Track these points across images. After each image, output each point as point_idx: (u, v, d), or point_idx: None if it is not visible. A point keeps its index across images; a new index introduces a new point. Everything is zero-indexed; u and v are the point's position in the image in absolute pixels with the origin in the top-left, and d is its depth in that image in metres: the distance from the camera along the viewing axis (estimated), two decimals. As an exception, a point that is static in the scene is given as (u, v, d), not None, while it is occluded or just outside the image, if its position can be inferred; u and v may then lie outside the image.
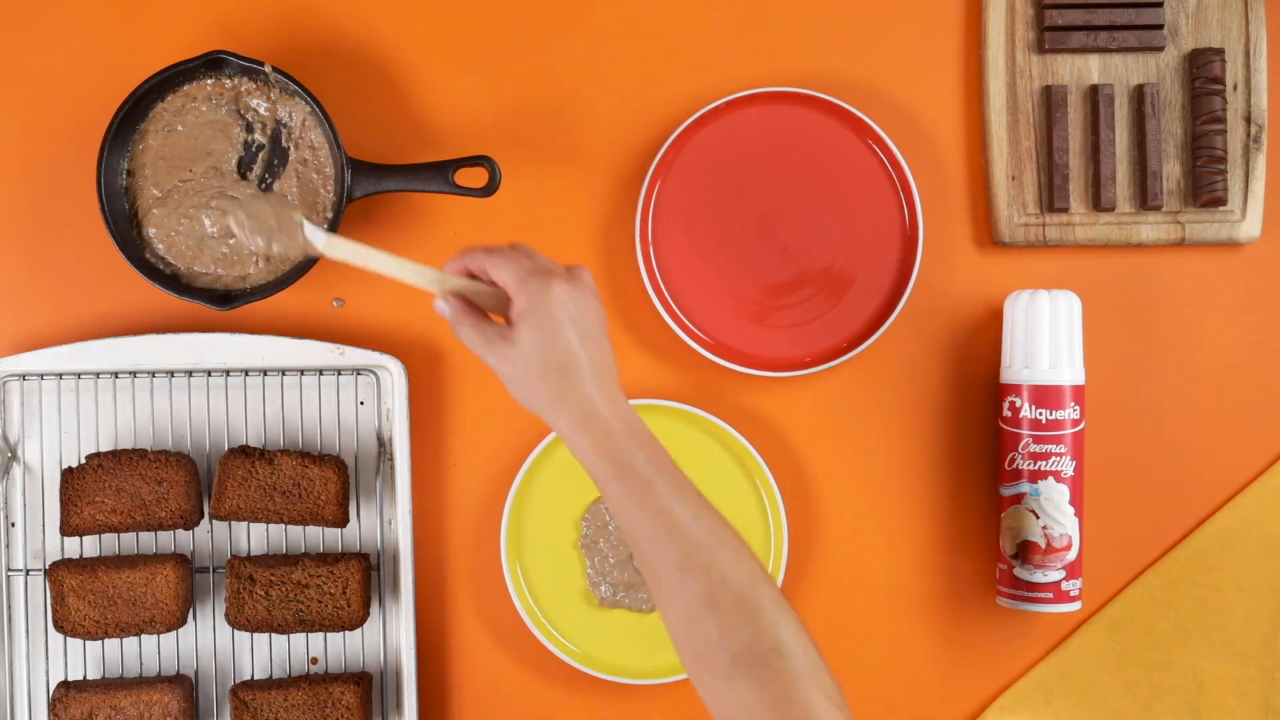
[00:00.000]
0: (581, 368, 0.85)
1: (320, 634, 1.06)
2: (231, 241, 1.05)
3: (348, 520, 1.05)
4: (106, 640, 1.05)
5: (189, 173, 1.05)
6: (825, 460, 1.10)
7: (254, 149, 1.06)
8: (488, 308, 0.89)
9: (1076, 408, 1.04)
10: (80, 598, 1.02)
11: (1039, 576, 1.04)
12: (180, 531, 1.05)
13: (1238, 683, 1.08)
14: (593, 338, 0.86)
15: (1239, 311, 1.10)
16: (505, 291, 0.87)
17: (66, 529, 1.02)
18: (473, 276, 0.89)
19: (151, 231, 1.05)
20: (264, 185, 1.06)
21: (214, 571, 1.07)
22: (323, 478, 1.03)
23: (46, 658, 1.06)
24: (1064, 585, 1.04)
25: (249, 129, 1.06)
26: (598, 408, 0.85)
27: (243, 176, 1.06)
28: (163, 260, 1.05)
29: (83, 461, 1.05)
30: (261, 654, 1.07)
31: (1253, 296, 1.10)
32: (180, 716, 1.02)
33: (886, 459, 1.10)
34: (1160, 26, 1.09)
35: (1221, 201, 1.08)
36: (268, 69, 1.03)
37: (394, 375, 1.06)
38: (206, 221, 1.05)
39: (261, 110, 1.06)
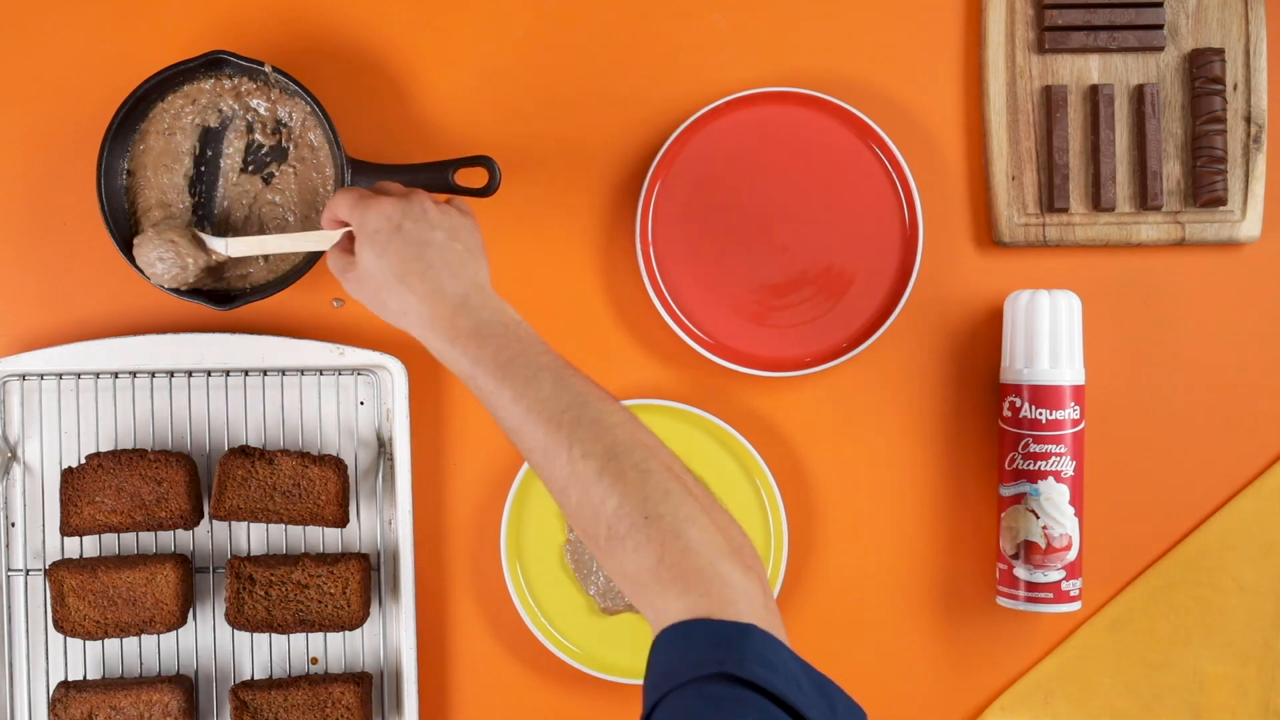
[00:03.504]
0: (415, 271, 0.87)
1: (320, 634, 1.06)
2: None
3: (348, 520, 1.05)
4: (106, 640, 1.05)
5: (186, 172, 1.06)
6: (825, 460, 1.10)
7: (254, 149, 1.06)
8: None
9: (1076, 408, 1.04)
10: (80, 598, 1.02)
11: (1039, 576, 1.04)
12: (180, 531, 1.05)
13: (1238, 683, 1.08)
14: (428, 242, 0.88)
15: (1239, 311, 1.10)
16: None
17: (66, 529, 1.02)
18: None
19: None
20: (266, 181, 1.06)
21: (214, 571, 1.07)
22: (323, 478, 1.03)
23: (46, 658, 1.06)
24: (1064, 585, 1.04)
25: (249, 129, 1.06)
26: (438, 308, 0.86)
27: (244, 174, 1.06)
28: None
29: (83, 461, 1.05)
30: (261, 654, 1.07)
31: (1253, 296, 1.10)
32: (180, 716, 1.02)
33: (886, 459, 1.10)
34: (1160, 26, 1.09)
35: (1221, 201, 1.08)
36: (268, 69, 1.03)
37: (394, 375, 1.06)
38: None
39: (261, 110, 1.06)
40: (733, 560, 0.74)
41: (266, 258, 1.06)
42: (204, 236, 1.02)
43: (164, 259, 1.01)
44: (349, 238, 0.95)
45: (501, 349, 0.84)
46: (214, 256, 1.02)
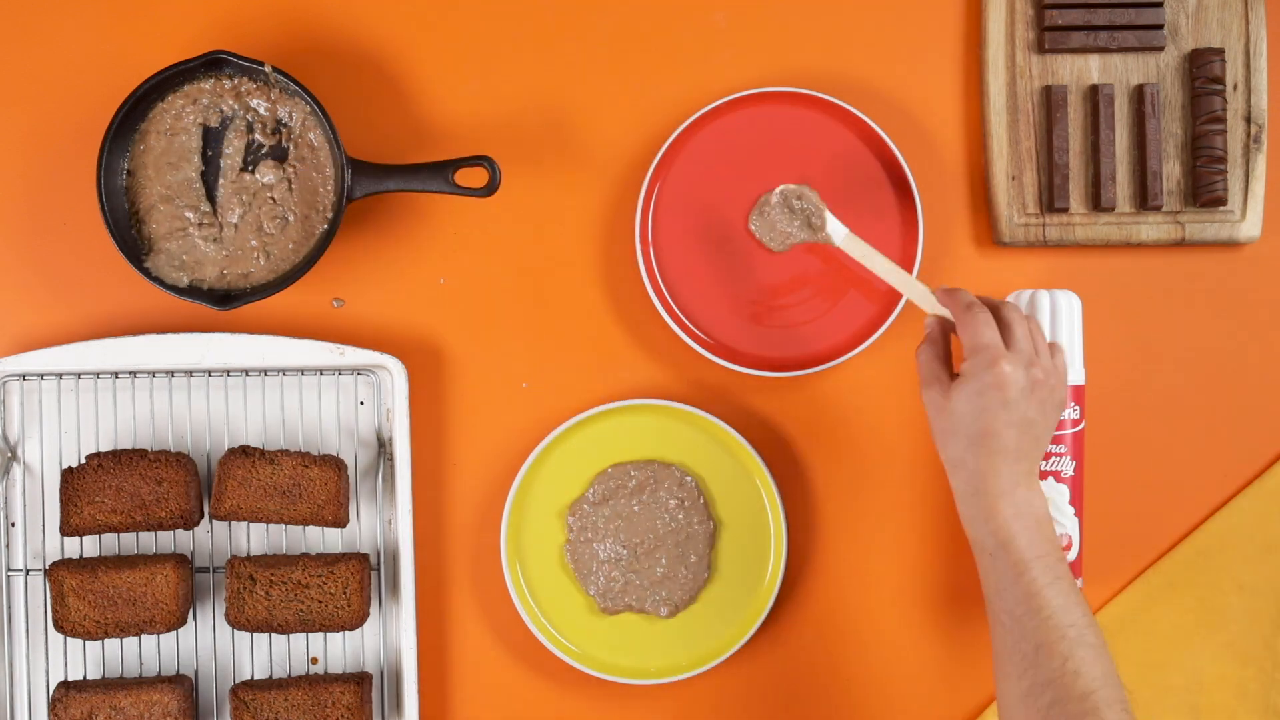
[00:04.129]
0: (993, 449, 0.90)
1: (320, 634, 1.06)
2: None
3: (348, 520, 1.05)
4: (106, 640, 1.05)
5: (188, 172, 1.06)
6: (825, 460, 1.10)
7: (254, 149, 1.06)
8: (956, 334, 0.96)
9: (1076, 408, 1.04)
10: (80, 598, 1.02)
11: (1039, 576, 1.04)
12: (180, 531, 1.05)
13: (1238, 683, 1.08)
14: (1025, 422, 0.90)
15: (1239, 311, 1.10)
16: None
17: (66, 529, 1.02)
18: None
19: (153, 228, 1.05)
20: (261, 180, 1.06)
21: (214, 571, 1.07)
22: (323, 478, 1.03)
23: (46, 658, 1.06)
24: (1064, 585, 1.04)
25: (249, 129, 1.06)
26: (998, 483, 0.89)
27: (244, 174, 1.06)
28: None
29: (83, 461, 1.05)
30: (261, 654, 1.07)
31: (1253, 296, 1.10)
32: (180, 716, 1.01)
33: (886, 459, 1.10)
34: (1160, 26, 1.09)
35: (1221, 201, 1.08)
36: (268, 69, 1.03)
37: (394, 375, 1.06)
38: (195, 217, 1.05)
39: (261, 110, 1.06)
40: None
41: (268, 255, 1.06)
42: (830, 217, 1.03)
43: (789, 218, 1.04)
44: (946, 325, 0.97)
45: (1031, 545, 0.88)
46: (819, 234, 1.03)
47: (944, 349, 0.96)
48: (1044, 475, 1.04)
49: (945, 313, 0.97)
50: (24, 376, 1.06)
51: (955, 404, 0.91)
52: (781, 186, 1.05)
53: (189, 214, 1.05)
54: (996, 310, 0.95)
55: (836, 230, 1.02)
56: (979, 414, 0.90)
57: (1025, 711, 0.85)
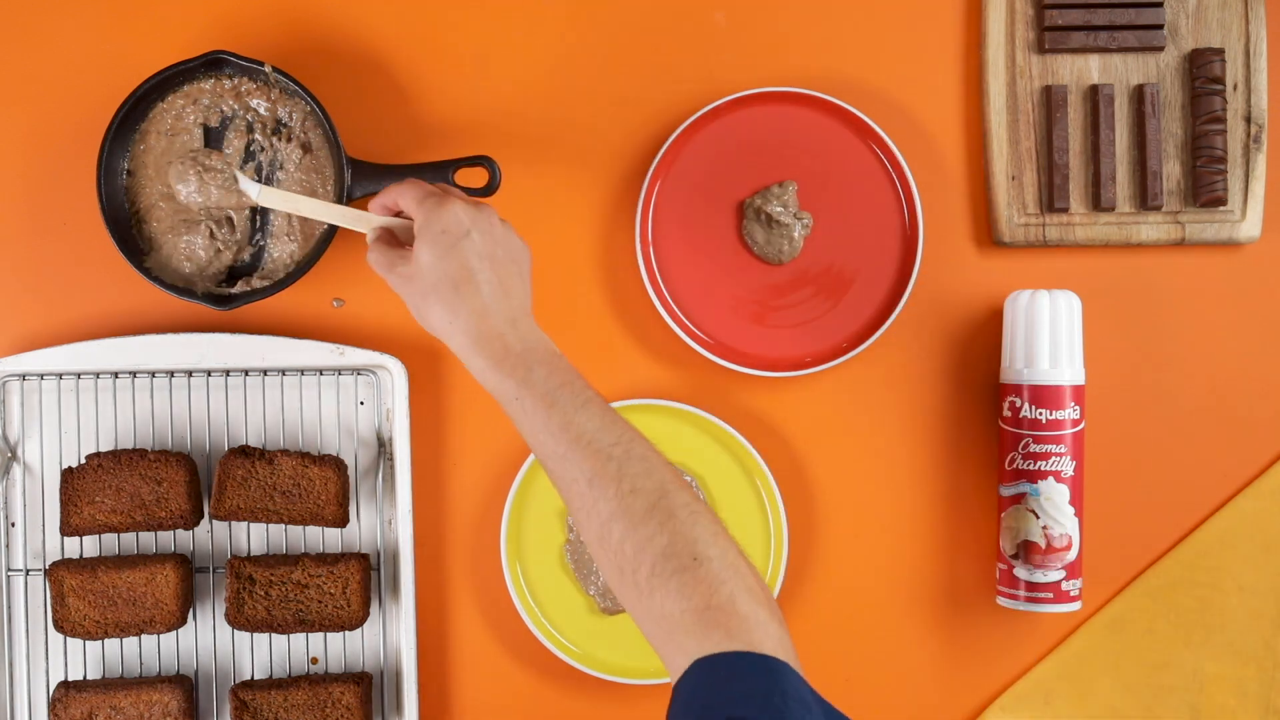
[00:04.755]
0: (476, 283, 0.86)
1: (320, 634, 1.06)
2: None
3: (348, 520, 1.05)
4: (106, 640, 1.05)
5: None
6: (825, 460, 1.10)
7: (254, 149, 1.06)
8: (407, 241, 0.93)
9: (1076, 408, 1.04)
10: (80, 598, 1.02)
11: (1039, 576, 1.04)
12: (180, 531, 1.05)
13: (1238, 683, 1.08)
14: (491, 256, 0.87)
15: (1239, 311, 1.10)
16: (409, 216, 0.90)
17: (66, 529, 1.02)
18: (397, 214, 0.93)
19: (153, 228, 1.05)
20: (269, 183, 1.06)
21: (214, 571, 1.07)
22: (323, 478, 1.03)
23: (46, 658, 1.06)
24: (1064, 585, 1.04)
25: (249, 129, 1.06)
26: (491, 324, 0.85)
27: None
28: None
29: (83, 461, 1.05)
30: (261, 654, 1.07)
31: (1253, 296, 1.10)
32: (180, 716, 1.02)
33: (886, 459, 1.10)
34: (1160, 26, 1.09)
35: (1221, 201, 1.08)
36: (268, 69, 1.03)
37: (394, 375, 1.06)
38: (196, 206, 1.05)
39: (261, 110, 1.06)
40: (769, 608, 0.75)
41: (269, 255, 1.06)
42: (240, 175, 1.01)
43: (191, 178, 1.01)
44: (389, 230, 0.94)
45: (550, 375, 0.84)
46: (243, 199, 1.02)
47: (387, 241, 0.93)
48: (1044, 475, 1.04)
49: (383, 221, 0.94)
50: (24, 376, 1.06)
51: (420, 261, 0.87)
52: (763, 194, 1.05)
53: (188, 214, 1.05)
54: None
55: (250, 189, 1.00)
56: (448, 254, 0.86)
57: (604, 551, 0.79)
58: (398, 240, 0.93)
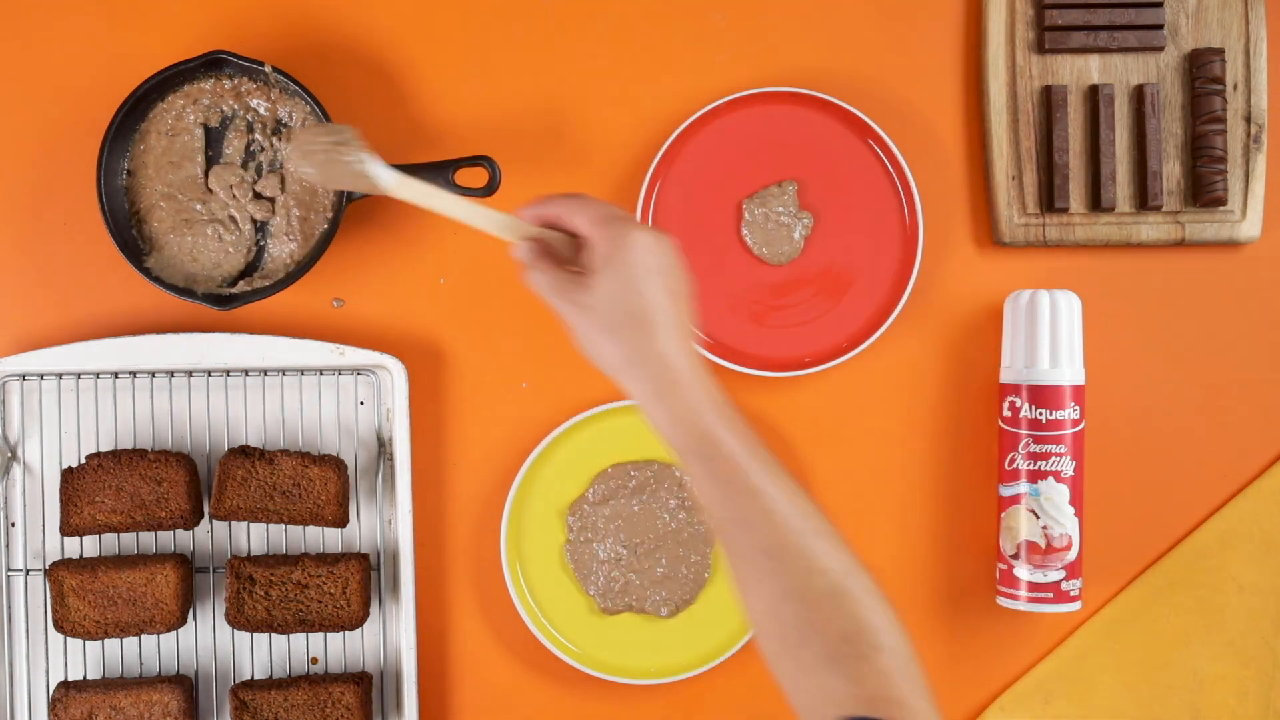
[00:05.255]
0: (660, 323, 0.78)
1: (320, 634, 1.06)
2: (227, 238, 1.05)
3: (348, 520, 1.05)
4: (106, 640, 1.05)
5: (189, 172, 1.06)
6: (825, 460, 1.10)
7: (254, 149, 1.06)
8: (561, 256, 0.84)
9: (1076, 408, 1.04)
10: (80, 598, 1.02)
11: (1039, 576, 1.04)
12: (180, 531, 1.05)
13: (1238, 683, 1.08)
14: (677, 293, 0.80)
15: (1239, 311, 1.10)
16: (582, 238, 0.82)
17: (66, 529, 1.02)
18: (548, 226, 0.85)
19: (153, 228, 1.05)
20: (257, 185, 1.06)
21: (214, 571, 1.07)
22: (323, 478, 1.03)
23: (46, 658, 1.06)
24: (1064, 585, 1.04)
25: (249, 129, 1.06)
26: (677, 374, 0.78)
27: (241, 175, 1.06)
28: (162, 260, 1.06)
29: (83, 461, 1.05)
30: (261, 654, 1.07)
31: (1253, 296, 1.10)
32: (180, 716, 1.01)
33: (886, 459, 1.10)
34: (1160, 26, 1.09)
35: (1221, 201, 1.08)
36: (268, 69, 1.03)
37: (394, 375, 1.06)
38: (203, 213, 1.05)
39: (261, 110, 1.06)
40: (933, 704, 0.73)
41: (269, 255, 1.06)
42: (370, 163, 0.86)
43: (315, 154, 0.87)
44: (542, 244, 0.85)
45: (734, 437, 0.78)
46: (372, 186, 0.87)
47: (551, 260, 0.84)
48: (1044, 475, 1.04)
49: (534, 231, 0.85)
50: (24, 376, 1.06)
51: (600, 289, 0.79)
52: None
53: (189, 214, 1.05)
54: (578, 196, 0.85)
55: (385, 176, 0.87)
56: (632, 289, 0.78)
57: (772, 623, 0.76)
58: (554, 256, 0.85)
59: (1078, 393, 1.04)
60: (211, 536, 1.07)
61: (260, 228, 1.06)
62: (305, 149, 0.87)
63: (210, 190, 1.06)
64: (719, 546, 1.07)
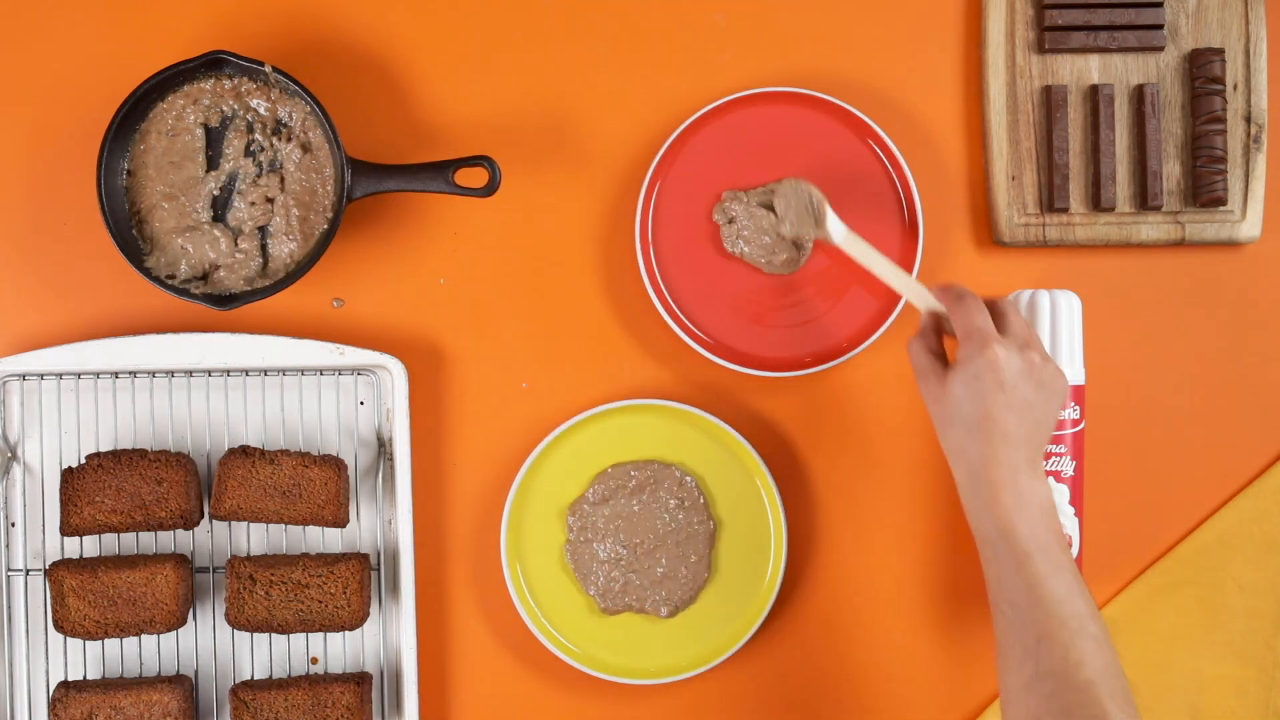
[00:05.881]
0: (993, 434, 0.89)
1: (320, 634, 1.06)
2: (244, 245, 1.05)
3: (348, 520, 1.05)
4: (106, 640, 1.05)
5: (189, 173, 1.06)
6: (825, 460, 1.10)
7: (254, 149, 1.06)
8: (951, 334, 0.96)
9: (1076, 408, 1.04)
10: (80, 598, 1.02)
11: (1039, 576, 1.04)
12: (180, 531, 1.05)
13: (1238, 683, 1.08)
14: (1021, 407, 0.90)
15: (1239, 311, 1.10)
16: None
17: (66, 529, 1.02)
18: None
19: (153, 228, 1.05)
20: (260, 181, 1.06)
21: (214, 571, 1.07)
22: (323, 478, 1.03)
23: (46, 658, 1.06)
24: (1064, 585, 1.04)
25: (249, 129, 1.06)
26: (996, 473, 0.88)
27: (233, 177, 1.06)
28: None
29: (83, 461, 1.05)
30: (261, 654, 1.07)
31: (1253, 296, 1.10)
32: (180, 716, 1.01)
33: (886, 459, 1.10)
34: (1160, 26, 1.09)
35: (1221, 201, 1.08)
36: (268, 69, 1.03)
37: (394, 375, 1.06)
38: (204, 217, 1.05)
39: (261, 110, 1.06)
40: None
41: (268, 255, 1.06)
42: (831, 215, 1.02)
43: (797, 210, 1.03)
44: (938, 319, 0.97)
45: (1031, 535, 0.87)
46: (822, 236, 1.02)
47: (935, 342, 0.96)
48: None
49: (939, 308, 0.97)
50: (24, 376, 1.06)
51: (951, 390, 0.91)
52: (748, 193, 1.06)
53: (189, 214, 1.05)
54: (993, 304, 0.96)
55: (836, 229, 1.02)
56: (975, 399, 0.90)
57: (1026, 701, 0.84)
58: (943, 330, 0.97)
59: (1078, 393, 1.04)
60: (211, 536, 1.07)
61: (260, 228, 1.06)
62: (792, 202, 1.03)
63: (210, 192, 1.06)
64: (720, 545, 1.07)
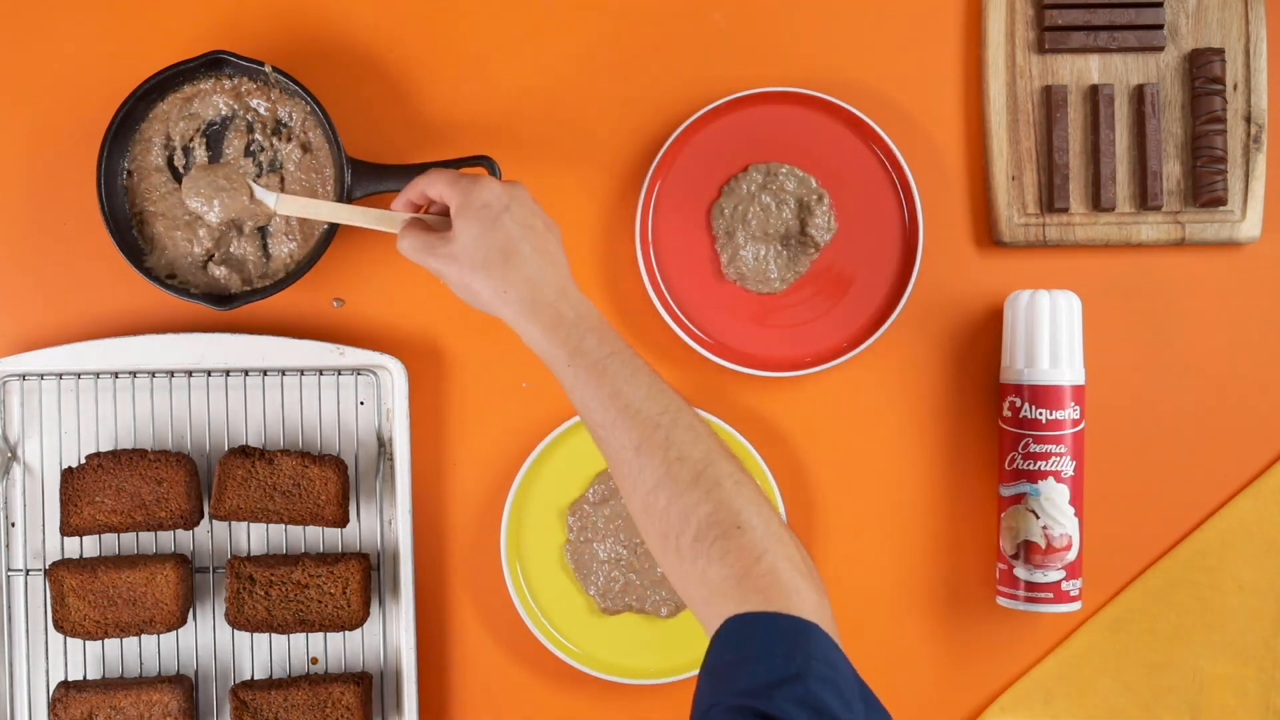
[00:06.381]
0: (522, 252, 0.87)
1: (320, 634, 1.06)
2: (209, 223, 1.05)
3: (348, 520, 1.05)
4: (106, 640, 1.05)
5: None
6: (825, 460, 1.10)
7: (254, 149, 1.06)
8: (437, 229, 0.93)
9: (1076, 408, 1.04)
10: (80, 598, 1.02)
11: (1039, 576, 1.04)
12: (180, 531, 1.05)
13: (1238, 683, 1.08)
14: (532, 227, 0.88)
15: (1239, 311, 1.10)
16: (444, 202, 0.91)
17: (66, 529, 1.02)
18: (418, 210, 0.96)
19: (153, 228, 1.05)
20: (260, 180, 1.06)
21: (214, 571, 1.07)
22: (323, 478, 1.03)
23: (46, 658, 1.06)
24: (1064, 585, 1.04)
25: (249, 129, 1.06)
26: (543, 292, 0.86)
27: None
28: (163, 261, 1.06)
29: (83, 461, 1.05)
30: (261, 654, 1.07)
31: (1253, 296, 1.10)
32: (180, 716, 1.01)
33: (886, 459, 1.10)
34: (1160, 26, 1.09)
35: (1221, 201, 1.08)
36: (268, 69, 1.03)
37: (394, 375, 1.06)
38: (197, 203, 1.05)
39: (261, 110, 1.06)
40: (809, 578, 0.77)
41: (269, 255, 1.06)
42: (255, 185, 1.03)
43: (207, 198, 1.02)
44: (419, 221, 0.94)
45: (601, 344, 0.85)
46: (260, 210, 1.03)
47: (420, 226, 0.93)
48: (1044, 475, 1.04)
49: (407, 218, 0.95)
50: (24, 376, 1.06)
51: (463, 239, 0.88)
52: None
53: (189, 214, 1.05)
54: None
55: (269, 199, 1.02)
56: (489, 230, 0.87)
57: (649, 518, 0.81)
58: (426, 226, 0.94)
59: (1078, 393, 1.04)
60: (211, 536, 1.07)
61: (260, 228, 1.06)
62: (192, 192, 1.02)
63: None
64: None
